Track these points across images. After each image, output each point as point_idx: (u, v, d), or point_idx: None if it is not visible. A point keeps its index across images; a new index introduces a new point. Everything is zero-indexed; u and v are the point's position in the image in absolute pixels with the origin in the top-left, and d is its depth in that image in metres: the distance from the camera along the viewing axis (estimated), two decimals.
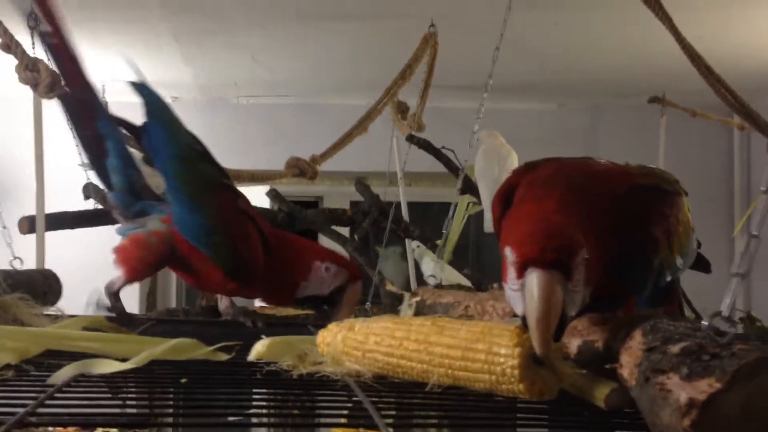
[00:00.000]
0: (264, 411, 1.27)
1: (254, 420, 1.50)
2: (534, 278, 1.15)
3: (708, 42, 3.15)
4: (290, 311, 3.92)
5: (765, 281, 5.46)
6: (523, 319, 1.19)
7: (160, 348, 1.45)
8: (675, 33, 2.89)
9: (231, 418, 1.36)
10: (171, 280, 6.14)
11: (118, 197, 2.25)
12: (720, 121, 5.31)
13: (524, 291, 1.17)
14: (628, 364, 1.14)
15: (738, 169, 5.84)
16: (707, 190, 5.49)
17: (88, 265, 5.70)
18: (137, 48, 4.66)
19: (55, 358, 1.38)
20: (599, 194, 1.38)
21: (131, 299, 5.64)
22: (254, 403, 1.27)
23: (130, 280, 2.08)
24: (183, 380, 1.27)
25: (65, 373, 1.26)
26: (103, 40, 4.49)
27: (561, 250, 1.17)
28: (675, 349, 0.92)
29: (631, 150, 5.13)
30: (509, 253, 1.21)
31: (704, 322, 0.96)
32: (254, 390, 1.38)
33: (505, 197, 1.49)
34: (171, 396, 1.31)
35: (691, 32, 3.03)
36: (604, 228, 1.32)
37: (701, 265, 1.78)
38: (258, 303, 5.54)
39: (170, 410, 1.34)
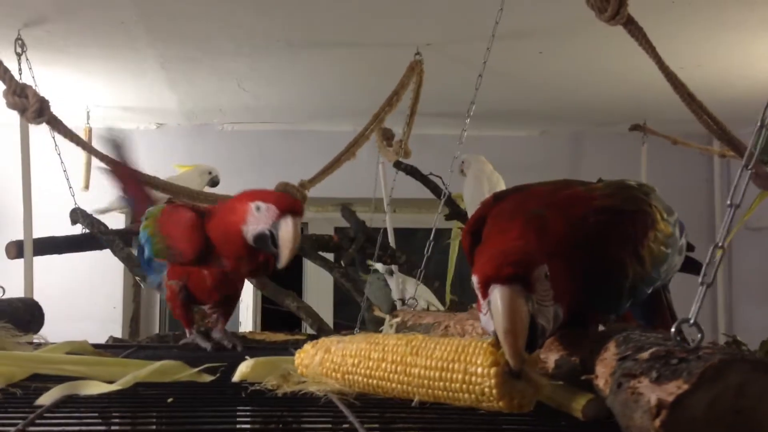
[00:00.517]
0: (249, 429, 1.27)
1: None
2: (496, 293, 1.21)
3: (689, 71, 3.21)
4: (280, 337, 3.93)
5: (747, 305, 5.53)
6: (497, 337, 1.22)
7: (145, 370, 1.46)
8: (658, 61, 2.93)
9: None
10: (154, 306, 6.11)
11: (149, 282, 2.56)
12: (700, 149, 5.38)
13: (491, 310, 1.20)
14: (603, 374, 1.17)
15: (718, 196, 5.91)
16: (688, 217, 5.43)
17: (72, 291, 5.70)
18: (123, 74, 4.68)
19: (41, 381, 1.38)
20: (559, 221, 1.43)
21: (115, 325, 5.63)
22: (240, 420, 1.28)
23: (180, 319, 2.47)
24: (169, 400, 1.28)
25: (53, 394, 1.26)
26: (89, 66, 4.51)
27: (517, 264, 1.23)
28: (645, 354, 0.96)
29: (613, 177, 5.16)
30: (474, 280, 1.27)
31: (672, 329, 0.99)
32: (240, 409, 1.39)
33: (474, 229, 1.56)
34: (153, 417, 1.31)
35: (671, 63, 3.08)
36: (566, 252, 1.36)
37: (693, 267, 1.79)
38: (249, 328, 5.56)
39: (153, 428, 1.35)
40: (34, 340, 2.03)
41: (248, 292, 5.71)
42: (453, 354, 1.27)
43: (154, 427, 1.35)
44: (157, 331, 5.88)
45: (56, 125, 3.27)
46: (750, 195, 4.20)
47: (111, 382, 1.37)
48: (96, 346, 1.98)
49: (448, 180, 3.29)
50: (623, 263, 1.45)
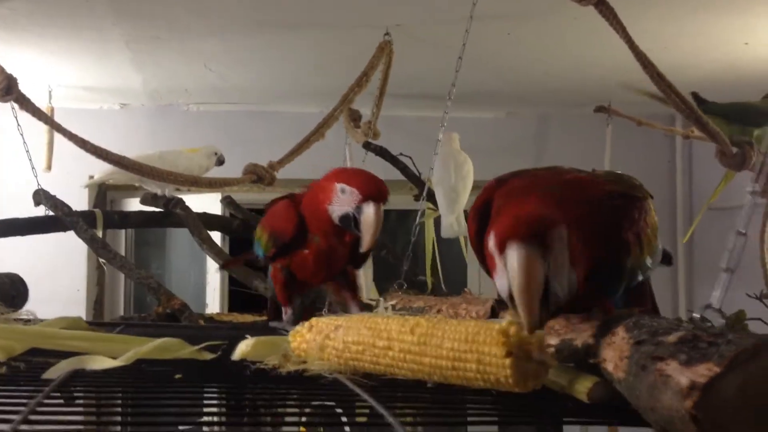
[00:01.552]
0: (260, 406, 1.28)
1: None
2: (513, 252, 1.23)
3: (655, 54, 3.25)
4: (247, 318, 3.92)
5: (708, 285, 5.65)
6: (511, 299, 1.23)
7: (146, 347, 1.45)
8: (628, 41, 2.98)
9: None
10: (119, 289, 6.05)
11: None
12: (664, 130, 5.47)
13: (507, 269, 1.23)
14: (612, 358, 1.19)
15: (680, 177, 6.03)
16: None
17: (35, 273, 5.60)
18: (87, 53, 4.60)
19: (42, 356, 1.37)
20: (575, 200, 1.44)
21: (78, 307, 5.56)
22: (246, 397, 1.29)
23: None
24: (177, 376, 1.28)
25: (60, 368, 1.25)
26: (52, 45, 4.42)
27: (534, 224, 1.25)
28: (671, 338, 0.98)
29: (578, 157, 5.22)
30: (491, 242, 1.28)
31: (695, 314, 1.02)
32: (246, 387, 1.39)
33: (481, 212, 1.56)
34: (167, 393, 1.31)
35: (638, 44, 3.13)
36: (581, 232, 1.38)
37: (664, 258, 1.85)
38: (216, 310, 5.53)
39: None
40: (23, 316, 2.00)
41: (215, 273, 5.68)
42: (464, 344, 1.27)
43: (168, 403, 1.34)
44: (121, 313, 5.82)
45: (24, 103, 3.19)
46: (717, 175, 4.29)
47: (113, 358, 1.37)
48: (88, 323, 1.96)
49: (421, 162, 3.30)
50: (629, 247, 1.48)
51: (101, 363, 1.30)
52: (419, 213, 2.49)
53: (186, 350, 1.48)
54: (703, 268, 5.80)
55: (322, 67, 4.87)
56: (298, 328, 1.55)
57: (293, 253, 2.36)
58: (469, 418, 1.25)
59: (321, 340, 1.45)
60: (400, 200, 4.94)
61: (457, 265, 4.48)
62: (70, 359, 1.29)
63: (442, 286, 3.89)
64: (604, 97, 5.37)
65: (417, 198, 4.48)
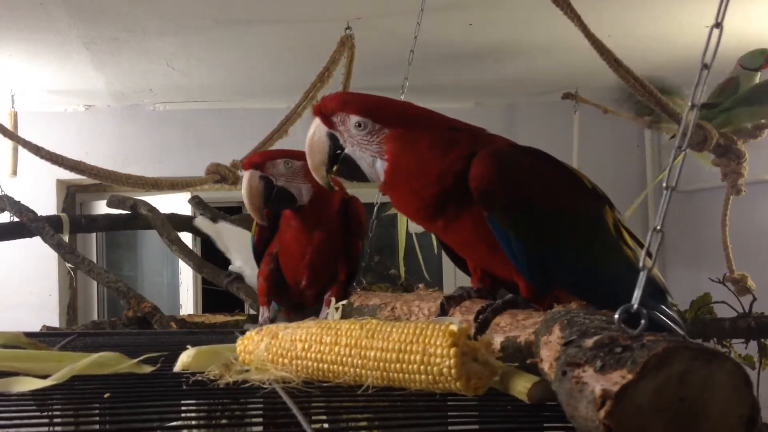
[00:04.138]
0: (193, 423, 1.25)
1: None
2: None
3: (616, 40, 3.26)
4: (219, 318, 3.88)
5: (677, 268, 5.68)
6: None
7: (81, 363, 1.41)
8: (583, 29, 2.99)
9: None
10: (91, 293, 6.00)
11: None
12: (629, 119, 5.43)
13: None
14: (547, 358, 1.17)
15: (649, 161, 6.04)
16: (620, 182, 5.65)
17: (4, 279, 5.56)
18: (46, 56, 4.54)
19: None
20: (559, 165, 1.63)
21: (51, 313, 5.51)
22: (182, 415, 1.26)
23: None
24: (106, 395, 1.25)
25: None
26: (9, 48, 4.36)
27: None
28: (589, 342, 0.96)
29: (547, 145, 5.20)
30: None
31: (616, 315, 1.00)
32: (182, 402, 1.36)
33: None
34: (97, 412, 1.28)
35: (599, 32, 3.13)
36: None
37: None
38: (190, 311, 5.49)
39: (96, 426, 1.31)
40: None
41: (188, 274, 5.64)
42: (411, 336, 1.28)
43: (97, 426, 1.32)
44: (95, 317, 5.77)
45: None
46: (688, 160, 4.30)
47: (46, 376, 1.34)
48: (32, 335, 1.92)
49: None
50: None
51: (28, 384, 1.27)
52: (375, 208, 2.47)
53: (124, 364, 1.45)
54: (673, 250, 5.81)
55: (285, 62, 4.83)
56: (248, 333, 1.52)
57: (279, 238, 2.38)
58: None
59: (268, 341, 1.43)
60: (366, 192, 4.91)
61: (426, 260, 4.46)
62: None
63: (404, 280, 3.87)
64: (571, 84, 5.37)
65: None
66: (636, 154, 6.10)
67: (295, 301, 2.49)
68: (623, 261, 1.61)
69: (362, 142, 1.63)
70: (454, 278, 5.86)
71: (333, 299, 2.10)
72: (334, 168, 1.70)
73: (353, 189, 2.56)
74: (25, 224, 4.07)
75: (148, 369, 1.48)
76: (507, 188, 1.54)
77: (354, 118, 1.63)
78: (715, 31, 1.05)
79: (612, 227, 1.63)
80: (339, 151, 1.68)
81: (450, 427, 1.24)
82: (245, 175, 2.21)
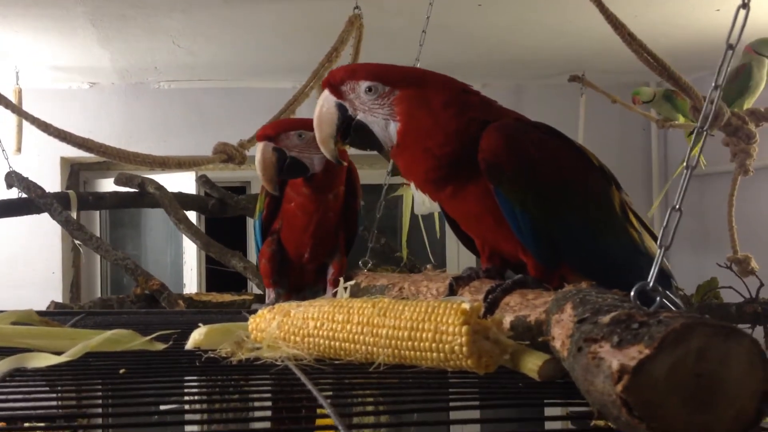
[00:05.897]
0: (204, 398, 1.25)
1: (187, 407, 1.49)
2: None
3: (626, 22, 3.24)
4: (226, 297, 3.89)
5: (683, 252, 5.67)
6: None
7: (95, 340, 1.42)
8: (599, 4, 2.99)
9: (163, 407, 1.36)
10: (95, 270, 6.01)
11: None
12: (639, 113, 5.38)
13: None
14: (559, 336, 1.17)
15: (656, 146, 6.02)
16: (626, 165, 5.64)
17: (9, 257, 5.57)
18: (52, 32, 4.53)
19: None
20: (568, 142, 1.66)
21: (54, 290, 5.52)
22: (194, 390, 1.27)
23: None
24: (122, 371, 1.25)
25: (0, 367, 1.23)
26: (16, 25, 4.35)
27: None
28: (605, 318, 0.96)
29: (554, 126, 5.24)
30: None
31: (632, 293, 1.00)
32: (194, 378, 1.37)
33: None
34: (99, 388, 1.29)
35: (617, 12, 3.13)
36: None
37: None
38: (194, 290, 5.51)
39: (99, 401, 1.32)
40: None
41: (192, 253, 5.65)
42: (423, 314, 1.29)
43: (100, 400, 1.33)
44: (98, 294, 5.79)
45: None
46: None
47: (60, 353, 1.34)
48: (43, 313, 1.92)
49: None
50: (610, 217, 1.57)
51: (44, 360, 1.27)
52: (383, 189, 2.48)
53: (137, 341, 1.46)
54: (679, 233, 5.79)
55: (293, 41, 4.81)
56: (260, 311, 1.53)
57: (283, 212, 2.38)
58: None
59: (280, 318, 1.44)
60: (373, 174, 4.92)
61: (431, 242, 4.46)
62: (10, 358, 1.26)
63: (408, 260, 3.87)
64: (578, 66, 5.35)
65: (392, 174, 4.45)
66: (642, 137, 6.09)
67: (294, 284, 2.51)
68: (628, 240, 1.62)
69: (374, 106, 1.63)
70: (457, 262, 5.87)
71: (341, 279, 2.10)
72: (347, 139, 1.70)
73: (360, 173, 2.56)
74: (34, 201, 4.08)
75: (160, 346, 1.49)
76: (515, 163, 1.55)
77: (364, 84, 1.64)
78: (742, 12, 1.04)
79: (618, 207, 1.63)
80: (348, 123, 1.68)
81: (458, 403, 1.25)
82: (258, 147, 2.21)
